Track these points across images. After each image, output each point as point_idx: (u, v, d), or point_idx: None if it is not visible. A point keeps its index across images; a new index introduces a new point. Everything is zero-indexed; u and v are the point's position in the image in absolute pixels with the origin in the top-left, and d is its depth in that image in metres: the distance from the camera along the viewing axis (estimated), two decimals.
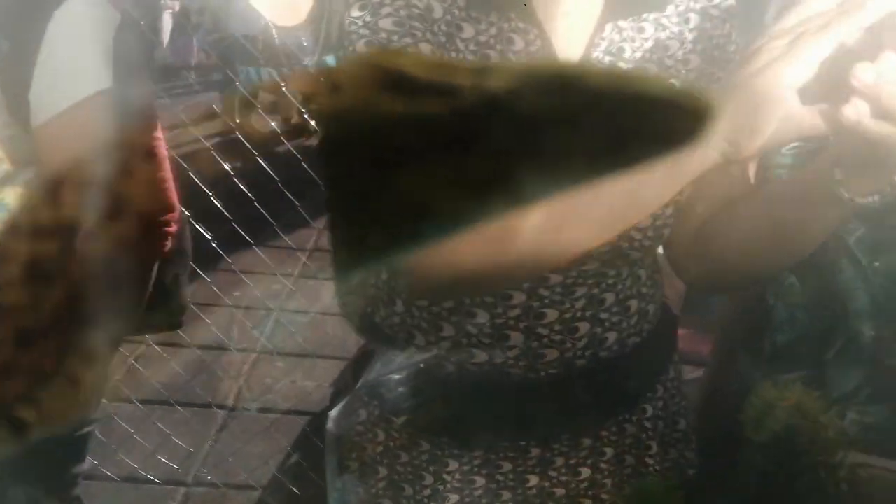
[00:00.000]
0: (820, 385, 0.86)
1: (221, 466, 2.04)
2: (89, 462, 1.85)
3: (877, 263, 0.78)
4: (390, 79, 0.23)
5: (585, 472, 0.83)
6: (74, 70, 0.80)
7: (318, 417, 0.96)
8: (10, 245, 0.26)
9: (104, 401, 2.08)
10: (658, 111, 0.22)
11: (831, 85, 0.53)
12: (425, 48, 0.69)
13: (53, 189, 0.26)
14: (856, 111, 0.52)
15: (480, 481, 0.81)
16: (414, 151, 0.23)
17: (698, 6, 0.76)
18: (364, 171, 0.23)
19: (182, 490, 1.99)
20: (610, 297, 0.78)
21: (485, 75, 0.23)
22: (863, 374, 0.80)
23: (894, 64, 0.51)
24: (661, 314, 0.86)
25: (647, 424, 0.86)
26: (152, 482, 1.97)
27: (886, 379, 0.78)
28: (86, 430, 0.96)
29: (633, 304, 0.80)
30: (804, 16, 0.55)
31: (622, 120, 0.22)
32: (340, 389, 0.91)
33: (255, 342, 2.44)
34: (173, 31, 3.61)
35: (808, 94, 0.54)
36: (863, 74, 0.50)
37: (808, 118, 0.54)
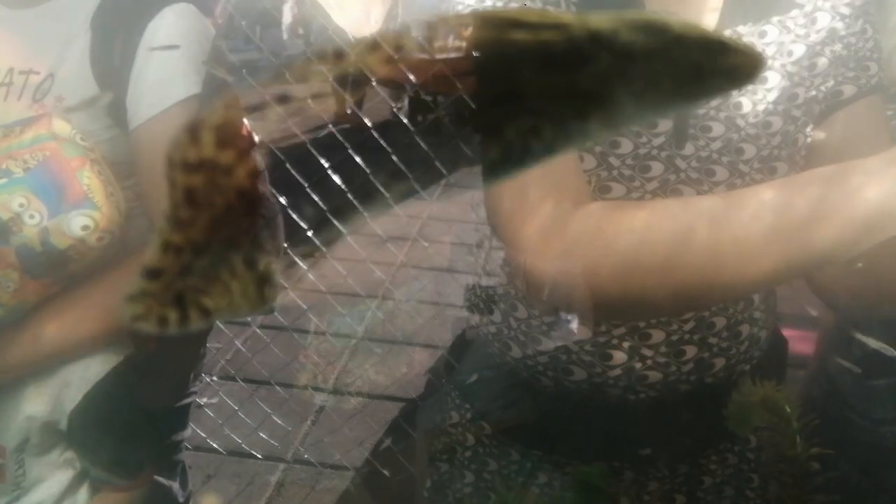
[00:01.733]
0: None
1: (318, 447, 2.16)
2: (198, 435, 2.01)
3: None
4: (514, 19, 0.29)
5: (680, 498, 0.79)
6: (166, 77, 0.84)
7: (411, 404, 1.00)
8: (170, 175, 0.31)
9: (215, 378, 2.24)
10: (721, 53, 0.29)
11: None
12: None
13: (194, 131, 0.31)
14: None
15: (570, 497, 0.78)
16: (536, 72, 0.29)
17: (827, 4, 0.69)
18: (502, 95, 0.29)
19: (281, 466, 2.12)
20: (720, 321, 0.73)
21: (587, 18, 0.29)
22: None
23: None
24: (772, 338, 0.81)
25: (750, 455, 0.81)
26: (254, 457, 2.12)
27: None
28: (186, 401, 1.04)
29: (745, 329, 0.75)
30: None
31: (697, 56, 0.29)
32: (434, 379, 0.92)
33: (352, 330, 2.54)
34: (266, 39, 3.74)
35: None
36: None
37: None
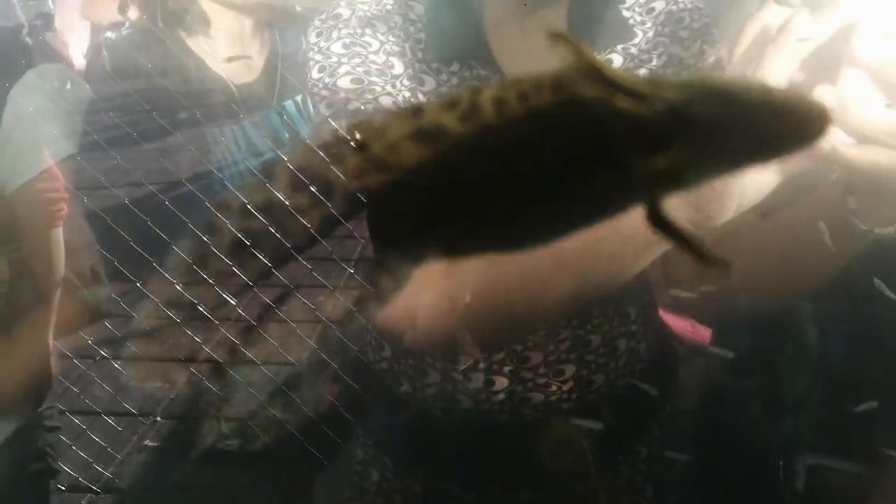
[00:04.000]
0: (775, 390, 0.92)
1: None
2: None
3: None
4: (598, 77, 0.29)
5: None
6: (36, 142, 0.83)
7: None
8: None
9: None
10: (788, 116, 0.29)
11: None
12: (386, 101, 0.67)
13: (268, 176, 0.32)
14: (827, 141, 0.46)
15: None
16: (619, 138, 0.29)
17: (667, 30, 0.73)
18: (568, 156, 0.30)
19: None
20: (596, 339, 0.76)
21: (661, 86, 0.29)
22: (813, 377, 0.86)
23: (855, 81, 0.46)
24: (658, 349, 0.84)
25: (642, 466, 0.84)
26: None
27: (835, 381, 0.83)
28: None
29: (622, 343, 0.78)
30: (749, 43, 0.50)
31: (768, 122, 0.29)
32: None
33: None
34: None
35: None
36: (825, 99, 0.45)
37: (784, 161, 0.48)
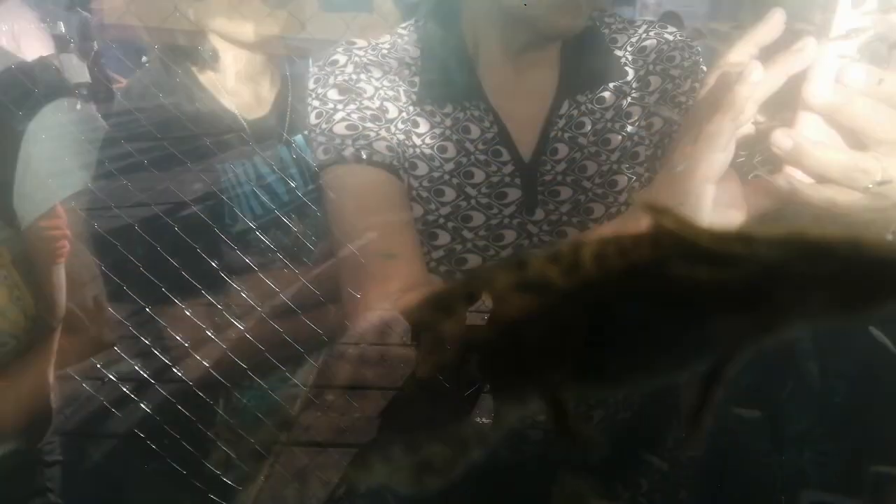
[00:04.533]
0: (777, 424, 0.92)
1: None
2: None
3: None
4: (683, 249, 0.28)
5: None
6: (51, 176, 0.87)
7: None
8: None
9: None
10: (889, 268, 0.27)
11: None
12: (379, 146, 0.69)
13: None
14: (787, 181, 0.48)
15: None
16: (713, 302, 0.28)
17: (658, 68, 0.75)
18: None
19: None
20: None
21: (755, 244, 0.28)
22: (814, 413, 0.86)
23: (810, 123, 0.48)
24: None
25: (642, 500, 0.84)
26: None
27: (835, 417, 0.83)
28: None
29: None
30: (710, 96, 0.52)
31: (869, 281, 0.27)
32: (385, 421, 0.95)
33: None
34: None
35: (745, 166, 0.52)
36: (780, 141, 0.47)
37: (751, 196, 0.50)
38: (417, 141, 0.72)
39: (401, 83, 0.73)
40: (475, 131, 0.72)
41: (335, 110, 0.71)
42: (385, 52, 0.75)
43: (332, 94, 0.71)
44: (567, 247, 0.31)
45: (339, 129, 0.70)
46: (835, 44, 0.46)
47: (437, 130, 0.72)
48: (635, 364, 0.32)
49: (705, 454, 0.93)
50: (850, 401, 0.80)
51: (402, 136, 0.72)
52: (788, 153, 0.47)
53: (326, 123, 0.70)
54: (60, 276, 0.89)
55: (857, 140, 0.46)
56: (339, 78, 0.72)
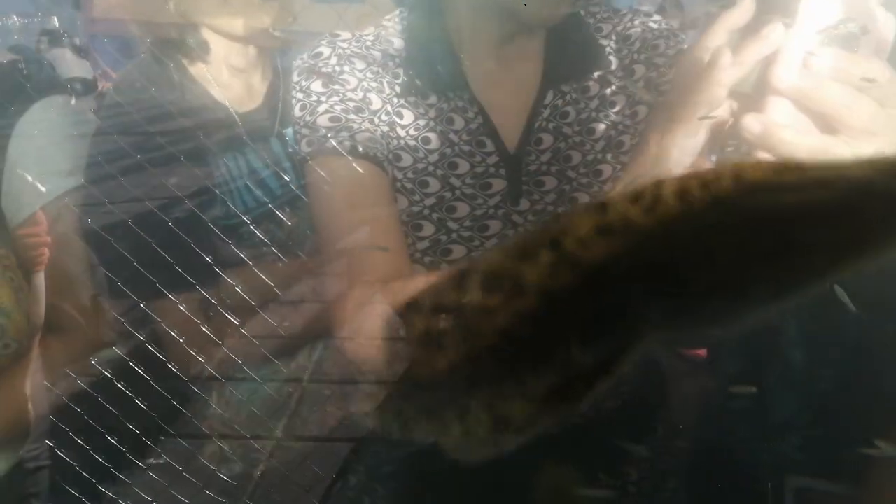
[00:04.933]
0: (763, 413, 0.92)
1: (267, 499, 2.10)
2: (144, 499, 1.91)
3: None
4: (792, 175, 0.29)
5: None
6: (41, 174, 0.83)
7: (360, 444, 1.01)
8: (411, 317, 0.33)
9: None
10: None
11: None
12: (363, 137, 0.69)
13: (460, 278, 0.33)
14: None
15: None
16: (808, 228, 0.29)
17: (643, 56, 0.75)
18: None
19: None
20: None
21: (845, 168, 0.29)
22: (800, 399, 0.86)
23: (780, 108, 0.48)
24: (647, 372, 0.85)
25: (631, 489, 0.85)
26: None
27: (821, 404, 0.84)
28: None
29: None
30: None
31: None
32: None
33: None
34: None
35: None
36: (750, 126, 0.47)
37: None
38: (401, 132, 0.72)
39: (385, 75, 0.73)
40: (459, 122, 0.72)
41: (318, 102, 0.71)
42: (369, 43, 0.75)
43: (316, 87, 0.72)
44: (647, 186, 0.31)
45: (323, 120, 0.70)
46: (807, 31, 0.46)
47: (422, 122, 0.72)
48: (728, 299, 0.31)
49: (694, 442, 0.94)
50: (835, 387, 0.81)
51: (385, 128, 0.72)
52: (758, 137, 0.47)
53: (310, 116, 0.71)
54: (40, 283, 0.88)
55: (827, 125, 0.47)
56: (323, 70, 0.72)
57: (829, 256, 0.30)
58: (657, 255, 0.31)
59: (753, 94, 0.49)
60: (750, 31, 0.49)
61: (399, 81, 0.73)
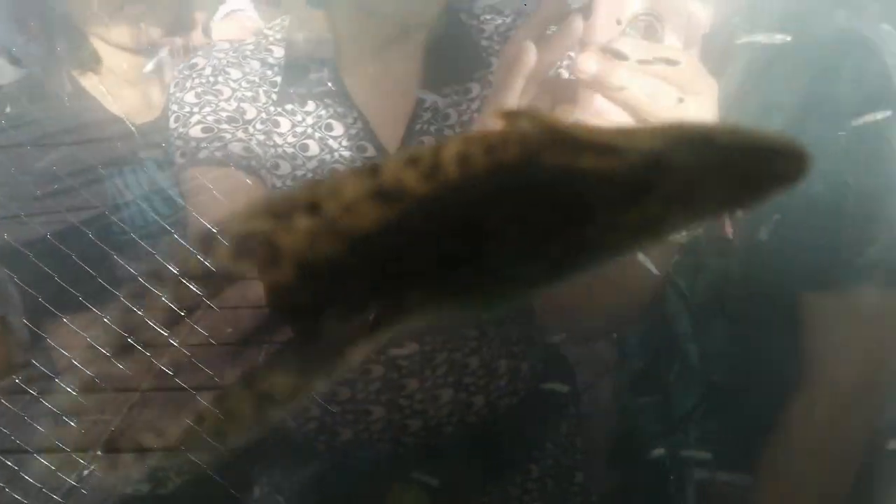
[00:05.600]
0: (667, 408, 0.94)
1: None
2: None
3: (692, 285, 0.82)
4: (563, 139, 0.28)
5: None
6: None
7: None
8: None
9: None
10: (769, 160, 0.29)
11: None
12: (236, 147, 0.69)
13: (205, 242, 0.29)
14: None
15: None
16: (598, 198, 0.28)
17: None
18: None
19: None
20: (474, 361, 0.77)
21: (636, 136, 0.28)
22: (698, 392, 0.88)
23: (591, 101, 0.47)
24: (549, 366, 0.85)
25: (532, 486, 0.84)
26: None
27: (717, 395, 0.86)
28: None
29: (503, 364, 0.79)
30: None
31: (746, 165, 0.28)
32: None
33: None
34: None
35: None
36: (585, 65, 0.46)
37: None
38: (279, 140, 0.72)
39: (261, 84, 0.73)
40: (338, 128, 0.72)
41: (191, 113, 0.71)
42: (248, 53, 0.75)
43: (189, 98, 0.72)
44: (426, 148, 0.29)
45: (195, 131, 0.70)
46: (605, 23, 0.47)
47: (299, 129, 0.72)
48: (507, 273, 0.30)
49: (599, 440, 0.95)
50: (729, 379, 0.82)
51: (261, 137, 0.72)
52: (594, 78, 0.46)
53: (183, 127, 0.70)
54: None
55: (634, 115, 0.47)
56: (197, 81, 0.72)
57: (622, 234, 0.29)
58: (437, 221, 0.29)
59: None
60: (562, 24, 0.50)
61: (276, 90, 0.73)
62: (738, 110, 0.65)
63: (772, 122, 0.71)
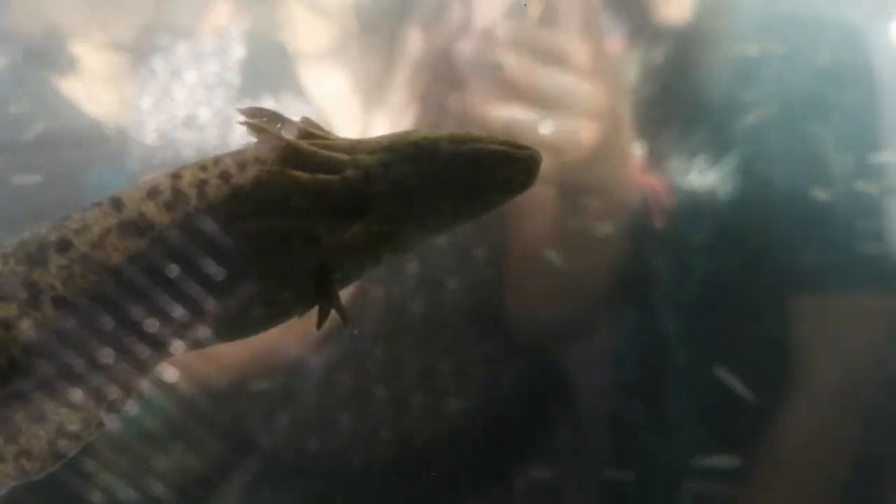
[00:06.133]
0: (660, 414, 0.92)
1: None
2: None
3: (679, 287, 0.82)
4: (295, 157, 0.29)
5: None
6: None
7: None
8: None
9: None
10: (497, 164, 0.29)
11: None
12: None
13: None
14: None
15: None
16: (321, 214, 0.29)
17: None
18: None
19: None
20: (445, 367, 0.76)
21: (359, 150, 0.29)
22: (689, 401, 0.86)
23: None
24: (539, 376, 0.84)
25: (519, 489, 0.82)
26: None
27: (708, 396, 0.84)
28: None
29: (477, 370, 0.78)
30: None
31: (471, 175, 0.29)
32: None
33: None
34: None
35: None
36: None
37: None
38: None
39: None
40: None
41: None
42: None
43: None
44: (163, 178, 0.31)
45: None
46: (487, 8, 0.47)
47: None
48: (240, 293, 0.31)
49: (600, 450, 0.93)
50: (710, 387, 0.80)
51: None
52: (473, 61, 0.50)
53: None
54: None
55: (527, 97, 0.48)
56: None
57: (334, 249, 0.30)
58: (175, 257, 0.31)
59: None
60: None
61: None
62: None
63: None
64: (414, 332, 0.73)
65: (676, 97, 0.71)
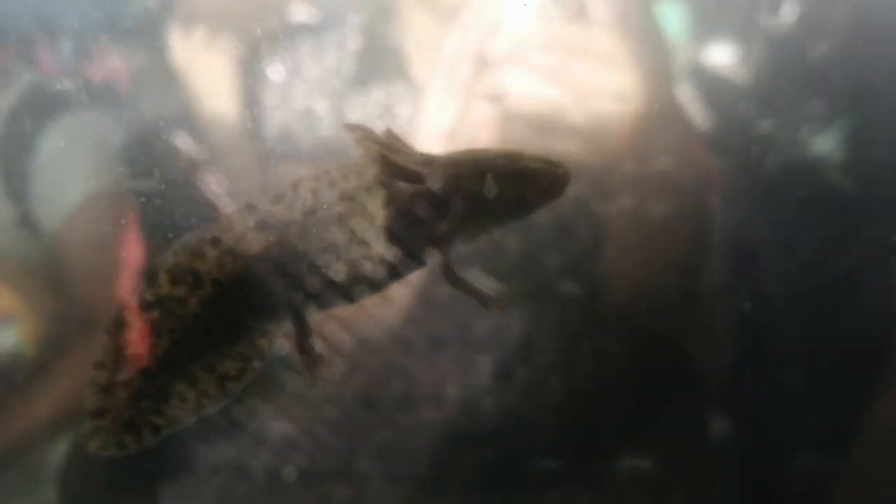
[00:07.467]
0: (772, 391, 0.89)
1: None
2: None
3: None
4: (387, 165, 0.40)
5: None
6: (66, 184, 0.90)
7: None
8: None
9: None
10: (539, 178, 0.41)
11: None
12: None
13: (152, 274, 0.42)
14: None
15: None
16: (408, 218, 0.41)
17: None
18: None
19: None
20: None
21: (436, 165, 0.39)
22: (801, 377, 0.85)
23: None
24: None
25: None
26: None
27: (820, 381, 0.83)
28: None
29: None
30: None
31: (519, 188, 0.40)
32: None
33: None
34: None
35: None
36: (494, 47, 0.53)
37: None
38: None
39: None
40: None
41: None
42: None
43: None
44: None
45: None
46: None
47: None
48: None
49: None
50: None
51: None
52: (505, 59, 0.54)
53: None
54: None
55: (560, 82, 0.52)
56: None
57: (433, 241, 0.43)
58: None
59: None
60: None
61: None
62: None
63: None
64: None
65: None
